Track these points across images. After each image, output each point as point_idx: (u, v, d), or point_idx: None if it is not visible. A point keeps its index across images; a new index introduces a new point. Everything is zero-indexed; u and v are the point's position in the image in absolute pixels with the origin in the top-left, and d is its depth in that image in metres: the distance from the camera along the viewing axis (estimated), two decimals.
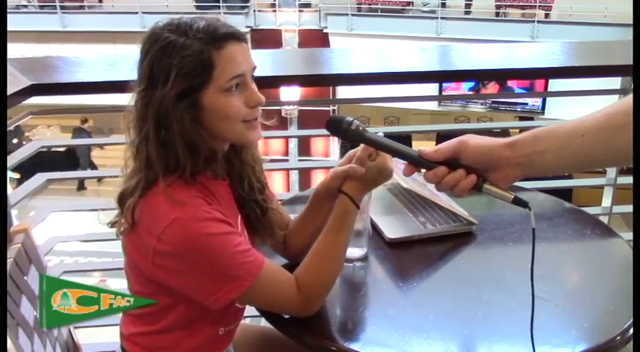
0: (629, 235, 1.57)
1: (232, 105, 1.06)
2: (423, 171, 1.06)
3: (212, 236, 1.04)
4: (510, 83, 8.58)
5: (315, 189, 1.27)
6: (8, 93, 1.62)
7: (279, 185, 9.08)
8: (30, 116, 1.91)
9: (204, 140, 1.07)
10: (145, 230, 1.06)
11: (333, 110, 8.89)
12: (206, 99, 1.05)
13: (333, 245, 1.16)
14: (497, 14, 9.18)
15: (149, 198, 1.06)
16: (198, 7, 9.16)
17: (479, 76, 4.74)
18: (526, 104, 9.42)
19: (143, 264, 1.09)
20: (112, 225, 1.14)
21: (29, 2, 9.85)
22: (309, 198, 1.28)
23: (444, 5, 9.12)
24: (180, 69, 1.02)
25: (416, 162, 1.05)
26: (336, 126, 1.11)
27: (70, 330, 1.40)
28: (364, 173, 1.15)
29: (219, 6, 9.07)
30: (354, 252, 1.31)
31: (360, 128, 1.10)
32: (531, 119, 9.37)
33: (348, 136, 1.11)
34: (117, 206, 1.12)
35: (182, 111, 1.03)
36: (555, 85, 7.07)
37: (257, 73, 1.12)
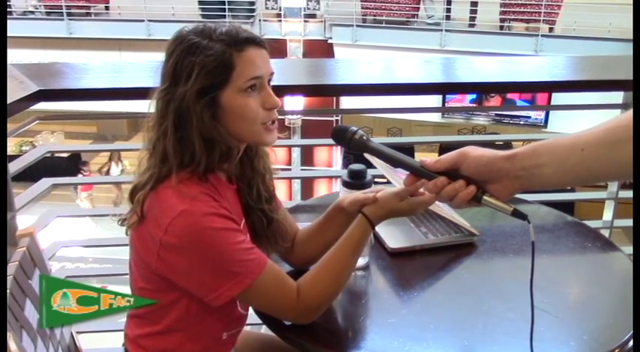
0: (630, 249, 1.58)
1: (249, 106, 1.10)
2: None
3: (216, 230, 1.07)
4: (513, 96, 8.59)
5: (333, 204, 1.28)
6: (16, 99, 1.64)
7: (281, 194, 9.04)
8: (37, 121, 1.93)
9: (222, 136, 1.10)
10: (153, 222, 1.08)
11: (337, 120, 8.91)
12: (224, 99, 1.09)
13: (343, 263, 1.17)
14: (501, 27, 9.19)
15: (159, 191, 1.09)
16: (204, 16, 9.20)
17: (482, 89, 4.76)
18: (529, 117, 9.42)
19: (148, 257, 1.11)
20: (122, 221, 1.16)
21: (36, 9, 9.89)
22: (326, 211, 1.29)
23: (448, 18, 9.14)
24: (203, 67, 1.07)
25: (417, 172, 1.06)
26: (341, 136, 1.13)
27: (72, 334, 1.41)
28: (394, 202, 1.17)
29: (225, 15, 9.12)
30: None
31: (364, 138, 1.12)
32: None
33: (352, 146, 1.12)
34: (128, 201, 1.14)
35: (202, 107, 1.08)
36: (558, 98, 7.08)
37: None
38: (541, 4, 8.74)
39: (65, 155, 11.01)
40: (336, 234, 1.21)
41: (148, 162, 1.13)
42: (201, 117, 1.08)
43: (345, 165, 8.81)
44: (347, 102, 7.56)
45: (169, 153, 1.09)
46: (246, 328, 1.41)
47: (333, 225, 1.27)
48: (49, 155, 2.07)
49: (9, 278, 1.16)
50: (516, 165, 0.95)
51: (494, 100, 8.82)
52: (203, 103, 1.08)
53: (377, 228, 1.43)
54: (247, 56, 1.10)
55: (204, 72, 1.07)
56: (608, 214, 2.32)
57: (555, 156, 0.93)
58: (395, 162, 1.10)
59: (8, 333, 1.03)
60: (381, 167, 1.33)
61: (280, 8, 9.52)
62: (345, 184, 1.29)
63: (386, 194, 1.19)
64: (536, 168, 0.94)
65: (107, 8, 10.22)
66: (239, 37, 1.10)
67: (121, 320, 1.30)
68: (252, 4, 9.45)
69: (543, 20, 8.81)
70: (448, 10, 9.16)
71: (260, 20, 9.49)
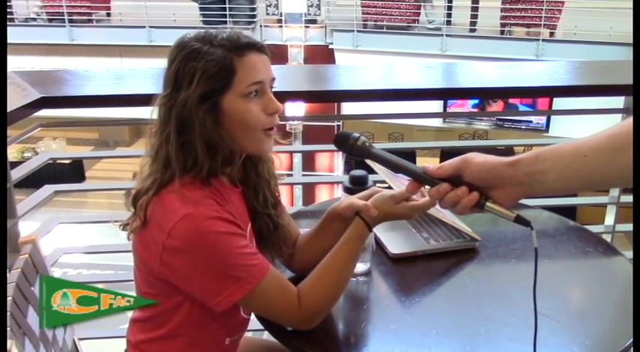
0: (632, 253, 1.57)
1: (250, 111, 1.11)
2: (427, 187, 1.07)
3: (219, 234, 1.07)
4: (515, 101, 8.59)
5: (328, 210, 1.28)
6: (19, 106, 1.65)
7: (283, 199, 9.03)
8: (39, 128, 1.94)
9: (225, 140, 1.11)
10: (156, 226, 1.09)
11: (338, 126, 8.91)
12: (226, 104, 1.10)
13: (342, 265, 1.18)
14: (502, 32, 9.18)
15: (162, 196, 1.09)
16: (205, 22, 9.22)
17: (483, 94, 4.75)
18: (530, 122, 9.41)
19: (151, 261, 1.11)
20: (124, 226, 1.16)
21: (38, 16, 9.91)
22: (322, 217, 1.29)
23: (449, 23, 9.15)
24: (204, 72, 1.07)
25: (420, 179, 1.06)
26: (343, 142, 1.13)
27: (74, 341, 1.41)
28: (389, 205, 1.18)
29: (226, 21, 9.13)
30: (357, 266, 1.31)
31: (367, 144, 1.12)
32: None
33: (354, 152, 1.13)
34: (131, 206, 1.14)
35: (204, 112, 1.08)
36: (559, 103, 7.08)
37: None
38: (542, 9, 8.75)
39: (67, 161, 11.01)
40: (333, 240, 1.21)
41: (150, 168, 1.13)
42: (204, 122, 1.09)
43: (347, 170, 8.79)
44: (348, 107, 7.58)
45: (172, 159, 1.10)
46: (248, 334, 1.41)
47: (330, 230, 1.27)
48: (51, 161, 2.07)
49: (11, 286, 1.16)
50: (519, 171, 0.95)
51: (497, 105, 8.83)
52: (205, 108, 1.09)
53: (378, 234, 1.44)
54: (248, 61, 1.10)
55: (205, 77, 1.08)
56: (610, 219, 2.32)
57: (558, 162, 0.93)
58: (397, 169, 1.10)
59: (11, 340, 1.03)
60: (382, 173, 1.33)
61: (281, 14, 9.52)
62: (347, 190, 1.30)
63: (382, 197, 1.20)
64: (540, 175, 0.94)
65: (109, 15, 10.23)
66: (240, 43, 1.11)
67: (124, 326, 1.31)
68: (253, 9, 9.46)
69: (544, 25, 8.81)
70: (449, 15, 9.16)
71: (261, 26, 9.50)
